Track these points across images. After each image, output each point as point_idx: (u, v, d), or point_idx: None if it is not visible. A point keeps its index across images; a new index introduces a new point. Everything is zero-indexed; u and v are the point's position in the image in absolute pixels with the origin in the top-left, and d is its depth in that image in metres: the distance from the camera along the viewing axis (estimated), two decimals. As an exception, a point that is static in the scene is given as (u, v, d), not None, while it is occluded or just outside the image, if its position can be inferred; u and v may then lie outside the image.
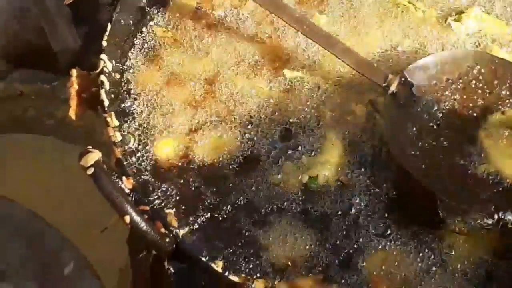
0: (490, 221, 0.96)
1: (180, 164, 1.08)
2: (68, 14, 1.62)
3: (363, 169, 1.05)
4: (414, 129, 1.06)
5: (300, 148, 1.08)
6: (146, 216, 0.96)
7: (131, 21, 1.22)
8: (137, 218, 0.94)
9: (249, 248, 1.00)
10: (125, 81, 1.16)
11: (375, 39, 1.18)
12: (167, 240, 0.97)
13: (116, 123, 1.09)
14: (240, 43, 1.20)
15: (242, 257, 0.99)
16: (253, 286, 0.95)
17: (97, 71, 1.12)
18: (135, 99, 1.14)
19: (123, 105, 1.13)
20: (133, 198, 0.99)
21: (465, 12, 1.20)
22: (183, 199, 1.04)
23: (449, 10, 1.22)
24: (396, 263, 0.98)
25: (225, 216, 1.03)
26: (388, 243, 0.99)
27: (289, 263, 0.98)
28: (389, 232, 1.00)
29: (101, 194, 0.94)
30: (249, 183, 1.05)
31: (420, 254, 0.98)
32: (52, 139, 1.54)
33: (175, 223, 1.00)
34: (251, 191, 1.05)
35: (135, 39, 1.21)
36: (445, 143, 1.05)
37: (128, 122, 1.11)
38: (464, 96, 1.08)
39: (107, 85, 1.11)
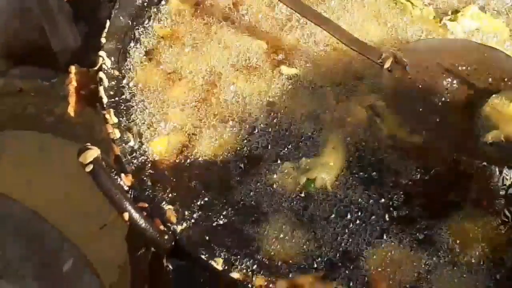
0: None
1: (178, 162, 1.08)
2: (69, 13, 1.62)
3: (362, 173, 1.05)
4: (417, 106, 1.07)
5: (300, 149, 1.07)
6: (145, 213, 0.95)
7: (130, 18, 1.22)
8: (136, 215, 0.94)
9: (247, 246, 1.00)
10: (124, 78, 1.16)
11: (372, 35, 1.18)
12: (166, 237, 0.96)
13: (115, 120, 1.08)
14: (239, 40, 1.20)
15: (241, 255, 0.99)
16: (253, 282, 0.95)
17: (96, 68, 1.12)
18: (134, 96, 1.14)
19: (122, 102, 1.13)
20: (132, 195, 0.98)
21: (461, 11, 1.20)
22: (180, 197, 1.04)
23: (446, 9, 1.22)
24: (396, 262, 0.98)
25: (223, 214, 1.03)
26: (388, 242, 0.99)
27: (288, 261, 0.98)
28: (389, 231, 1.00)
29: (100, 191, 0.94)
30: (247, 182, 1.05)
31: (421, 253, 0.98)
32: (51, 136, 1.54)
33: (173, 219, 1.00)
34: (249, 189, 1.05)
35: (134, 36, 1.21)
36: (449, 117, 1.06)
37: (127, 119, 1.11)
38: (458, 80, 1.09)
39: (106, 82, 1.11)
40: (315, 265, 0.98)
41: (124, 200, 0.94)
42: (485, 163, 1.04)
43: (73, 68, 1.11)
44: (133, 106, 1.13)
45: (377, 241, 0.99)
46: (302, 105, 1.12)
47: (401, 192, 1.03)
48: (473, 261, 0.98)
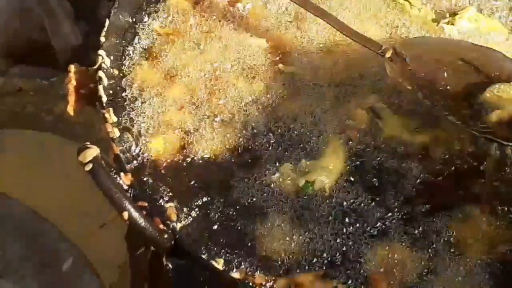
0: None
1: (177, 161, 1.07)
2: (70, 11, 1.62)
3: (362, 177, 1.04)
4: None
5: (299, 151, 1.07)
6: (144, 212, 0.95)
7: (129, 17, 1.22)
8: (135, 214, 0.94)
9: (247, 245, 0.99)
10: (124, 77, 1.16)
11: (371, 35, 1.18)
12: (166, 236, 0.96)
13: (114, 119, 1.08)
14: (239, 38, 1.20)
15: (240, 254, 0.99)
16: (253, 281, 0.95)
17: (95, 67, 1.11)
18: (133, 95, 1.14)
19: (121, 101, 1.13)
20: (132, 194, 0.98)
21: (459, 13, 1.20)
22: (179, 196, 1.04)
23: (444, 9, 1.22)
24: (397, 261, 0.98)
25: (222, 213, 1.02)
26: (388, 242, 0.99)
27: (288, 259, 0.98)
28: (389, 231, 1.00)
29: (99, 190, 0.94)
30: (246, 182, 1.05)
31: (422, 253, 0.98)
32: (51, 135, 1.54)
33: (174, 217, 1.00)
34: (248, 189, 1.04)
35: (133, 35, 1.21)
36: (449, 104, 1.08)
37: (126, 118, 1.11)
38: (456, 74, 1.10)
39: (105, 81, 1.11)
40: (315, 264, 0.98)
41: (124, 199, 0.94)
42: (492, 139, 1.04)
43: (72, 67, 1.11)
44: (132, 105, 1.13)
45: (377, 240, 0.99)
46: (302, 106, 1.12)
47: (402, 194, 1.03)
48: (473, 261, 0.97)
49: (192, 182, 1.05)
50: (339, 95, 1.13)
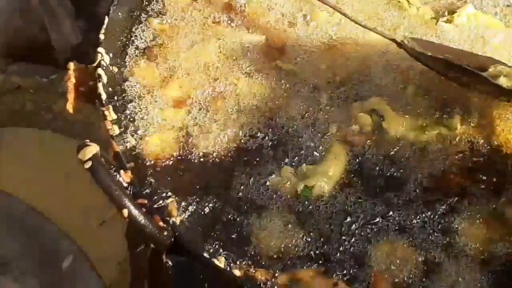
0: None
1: (175, 159, 1.07)
2: (70, 10, 1.62)
3: (365, 180, 1.04)
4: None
5: (302, 155, 1.07)
6: (144, 210, 0.95)
7: (128, 14, 1.21)
8: (135, 212, 0.94)
9: (247, 241, 1.00)
10: (123, 74, 1.16)
11: (369, 34, 1.18)
12: (165, 233, 0.96)
13: (114, 116, 1.08)
14: (238, 35, 1.20)
15: (240, 251, 0.99)
16: (254, 277, 0.95)
17: (95, 65, 1.11)
18: (132, 93, 1.14)
19: (120, 98, 1.13)
20: (131, 192, 0.98)
21: (458, 11, 1.20)
22: (179, 193, 1.04)
23: (443, 7, 1.22)
24: (398, 259, 0.98)
25: (221, 211, 1.03)
26: (389, 240, 0.99)
27: (288, 256, 0.98)
28: (390, 230, 1.00)
29: (99, 188, 0.94)
30: (245, 181, 1.05)
31: (423, 252, 0.98)
32: (51, 133, 1.54)
33: (175, 212, 1.00)
34: (247, 188, 1.04)
35: (132, 32, 1.20)
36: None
37: (125, 116, 1.11)
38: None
39: (104, 78, 1.10)
40: (316, 260, 0.98)
41: (123, 196, 0.94)
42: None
43: (71, 65, 1.11)
44: (131, 103, 1.13)
45: (378, 238, 0.99)
46: (302, 108, 1.11)
47: (404, 193, 1.03)
48: (475, 260, 0.98)
49: (190, 181, 1.05)
50: (339, 95, 1.13)
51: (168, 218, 0.99)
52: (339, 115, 1.11)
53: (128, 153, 1.07)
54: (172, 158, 1.07)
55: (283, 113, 1.11)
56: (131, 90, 1.14)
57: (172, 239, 0.97)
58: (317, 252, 0.99)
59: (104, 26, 1.15)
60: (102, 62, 1.12)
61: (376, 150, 1.07)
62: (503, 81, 1.05)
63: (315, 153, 1.07)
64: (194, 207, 1.03)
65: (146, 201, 0.98)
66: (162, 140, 1.09)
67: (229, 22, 1.22)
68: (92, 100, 1.10)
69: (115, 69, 1.15)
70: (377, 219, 1.01)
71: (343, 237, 1.00)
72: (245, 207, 1.03)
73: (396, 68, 1.15)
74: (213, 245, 0.99)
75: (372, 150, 1.07)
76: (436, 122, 1.09)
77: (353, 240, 0.99)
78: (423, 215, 1.01)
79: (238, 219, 1.02)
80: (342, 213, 1.02)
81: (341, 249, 0.99)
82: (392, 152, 1.07)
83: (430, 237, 0.99)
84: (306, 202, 1.03)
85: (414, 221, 1.01)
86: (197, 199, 1.03)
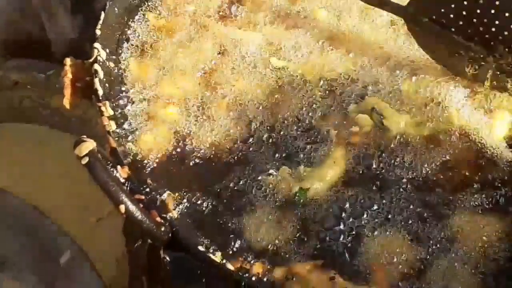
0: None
1: (170, 154, 1.08)
2: (67, 5, 1.62)
3: (359, 189, 1.04)
4: None
5: (300, 156, 1.07)
6: (141, 205, 0.95)
7: (125, 10, 1.21)
8: (132, 208, 0.94)
9: (240, 236, 1.00)
10: (120, 70, 1.15)
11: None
12: (163, 229, 0.96)
13: (111, 112, 1.08)
14: (235, 33, 1.19)
15: (236, 245, 0.99)
16: (250, 271, 0.95)
17: (91, 60, 1.11)
18: (129, 89, 1.14)
19: (117, 94, 1.12)
20: (128, 187, 0.98)
21: None
22: (174, 188, 1.04)
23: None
24: (395, 252, 0.98)
25: (217, 206, 1.03)
26: (387, 233, 0.99)
27: (284, 250, 0.98)
28: (388, 224, 1.00)
29: (96, 184, 0.93)
30: (241, 177, 1.05)
31: (421, 245, 0.98)
32: (48, 129, 1.54)
33: (171, 206, 1.00)
34: (242, 184, 1.05)
35: (129, 27, 1.21)
36: None
37: (121, 112, 1.11)
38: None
39: (101, 74, 1.10)
40: (313, 254, 0.98)
41: (120, 192, 0.93)
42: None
43: (68, 60, 1.11)
44: (129, 98, 1.12)
45: (376, 232, 0.99)
46: (303, 109, 1.11)
47: (404, 189, 1.03)
48: (471, 255, 0.97)
49: (186, 176, 1.05)
50: (336, 96, 1.13)
51: (164, 215, 0.99)
52: (338, 117, 1.11)
53: (125, 148, 1.07)
54: (166, 154, 1.07)
55: (281, 112, 1.11)
56: (126, 86, 1.14)
57: (170, 235, 0.97)
58: (313, 247, 0.99)
59: (101, 22, 1.15)
60: (99, 58, 1.11)
61: (378, 148, 1.07)
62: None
63: (314, 155, 1.07)
64: (190, 203, 1.03)
65: (143, 197, 0.98)
66: (156, 136, 1.09)
67: (227, 19, 1.22)
68: (89, 96, 1.10)
69: (112, 65, 1.15)
70: (374, 214, 1.01)
71: (340, 232, 1.00)
72: (240, 203, 1.03)
73: (390, 65, 1.15)
74: (209, 240, 0.99)
75: (374, 148, 1.07)
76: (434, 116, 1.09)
77: (349, 234, 0.99)
78: (421, 209, 1.01)
79: (233, 215, 1.02)
80: (338, 209, 1.02)
81: (337, 243, 0.99)
82: (394, 149, 1.07)
83: (428, 232, 0.99)
84: (302, 200, 1.03)
85: (412, 216, 1.01)
86: (192, 195, 1.03)
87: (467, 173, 1.04)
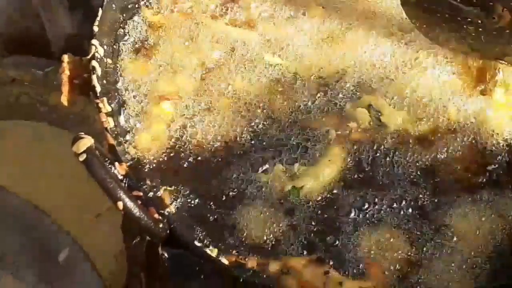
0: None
1: (169, 151, 1.08)
2: (66, 2, 1.61)
3: (355, 187, 1.04)
4: None
5: (296, 154, 1.07)
6: (139, 202, 0.95)
7: (122, 6, 1.21)
8: (130, 204, 0.94)
9: (235, 231, 1.00)
10: (117, 67, 1.15)
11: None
12: (161, 226, 0.96)
13: (109, 108, 1.08)
14: (233, 31, 1.19)
15: (231, 240, 1.00)
16: (245, 265, 0.96)
17: (89, 57, 1.11)
18: (126, 86, 1.13)
19: (114, 91, 1.12)
20: (126, 184, 0.98)
21: None
22: (170, 184, 1.04)
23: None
24: (391, 248, 0.98)
25: (212, 202, 1.03)
26: (383, 229, 0.99)
27: (280, 245, 0.99)
28: (384, 219, 1.00)
29: (94, 180, 0.93)
30: (236, 173, 1.05)
31: (418, 240, 0.99)
32: (46, 125, 1.53)
33: (167, 200, 1.00)
34: (237, 180, 1.05)
35: (127, 24, 1.20)
36: None
37: (119, 108, 1.11)
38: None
39: (99, 70, 1.10)
40: (308, 249, 0.98)
41: (118, 189, 0.94)
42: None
43: (65, 57, 1.11)
44: (126, 95, 1.12)
45: (372, 229, 0.99)
46: (302, 108, 1.11)
47: (400, 185, 1.03)
48: (468, 253, 0.98)
49: (182, 173, 1.06)
50: (333, 93, 1.13)
51: (162, 211, 0.99)
52: (335, 114, 1.11)
53: (124, 145, 1.07)
54: (163, 151, 1.07)
55: (277, 110, 1.11)
56: (124, 83, 1.14)
57: (168, 232, 0.97)
58: (308, 242, 0.99)
59: (98, 18, 1.15)
60: (96, 54, 1.11)
61: (375, 146, 1.07)
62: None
63: (310, 154, 1.07)
64: (185, 198, 1.03)
65: (141, 193, 0.98)
66: (153, 134, 1.09)
67: (225, 17, 1.21)
68: (87, 93, 1.10)
69: (110, 61, 1.15)
70: (370, 211, 1.01)
71: (335, 228, 1.00)
72: (235, 199, 1.03)
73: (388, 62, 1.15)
74: (205, 235, 0.99)
75: (371, 146, 1.07)
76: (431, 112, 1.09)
77: (345, 231, 1.00)
78: (418, 207, 1.01)
79: (228, 210, 1.02)
80: (334, 206, 1.02)
81: (332, 239, 0.99)
82: (391, 146, 1.07)
83: (424, 230, 1.00)
84: (295, 198, 1.03)
85: (408, 213, 1.01)
86: (188, 190, 1.04)
87: (465, 171, 1.04)
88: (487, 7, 1.03)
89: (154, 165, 1.06)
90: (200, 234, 1.00)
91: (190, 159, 1.07)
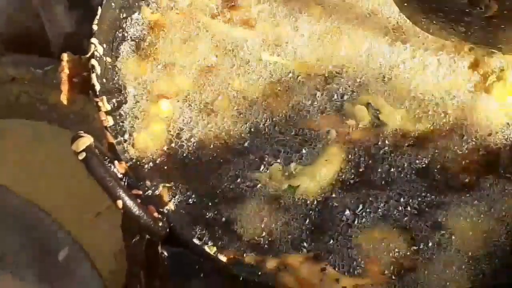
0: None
1: (167, 150, 1.08)
2: (66, 1, 1.62)
3: (353, 186, 1.04)
4: None
5: (293, 154, 1.07)
6: (139, 201, 0.95)
7: (121, 4, 1.21)
8: (129, 203, 0.94)
9: (233, 229, 1.00)
10: (116, 65, 1.15)
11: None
12: (160, 224, 0.96)
13: (108, 107, 1.08)
14: (231, 30, 1.19)
15: (228, 237, 1.00)
16: (243, 262, 0.96)
17: (88, 55, 1.11)
18: (125, 84, 1.13)
19: (114, 90, 1.12)
20: (126, 183, 0.98)
21: None
22: (169, 181, 1.04)
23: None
24: (389, 247, 0.98)
25: (209, 199, 1.03)
26: (381, 227, 0.99)
27: (277, 242, 0.99)
28: (383, 217, 1.00)
29: (94, 179, 0.93)
30: (234, 173, 1.05)
31: (417, 239, 0.98)
32: (46, 124, 1.53)
33: (166, 197, 1.00)
34: (234, 178, 1.05)
35: (126, 22, 1.20)
36: None
37: (118, 107, 1.11)
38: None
39: (98, 69, 1.10)
40: (306, 247, 0.98)
41: (118, 187, 0.93)
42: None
43: (65, 56, 1.11)
44: (125, 94, 1.12)
45: (370, 227, 0.99)
46: (300, 107, 1.11)
47: (399, 183, 1.03)
48: (466, 251, 0.97)
49: (180, 170, 1.06)
50: (331, 89, 1.13)
51: (162, 209, 0.99)
52: (333, 113, 1.10)
53: (123, 143, 1.07)
54: (161, 150, 1.08)
55: (276, 109, 1.11)
56: (123, 82, 1.14)
57: (167, 230, 0.97)
58: (304, 240, 0.99)
59: (97, 17, 1.15)
60: (96, 53, 1.11)
61: (376, 144, 1.07)
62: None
63: (308, 153, 1.07)
64: (183, 195, 1.03)
65: (140, 192, 0.98)
66: (152, 133, 1.09)
67: (225, 16, 1.21)
68: (86, 91, 1.10)
69: (109, 60, 1.15)
70: (368, 210, 1.01)
71: (333, 226, 1.00)
72: (233, 196, 1.03)
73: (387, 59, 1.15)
74: (203, 233, 0.99)
75: (371, 144, 1.07)
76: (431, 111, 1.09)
77: (343, 228, 1.00)
78: (417, 206, 1.01)
79: (225, 207, 1.02)
80: (331, 204, 1.02)
81: (330, 237, 0.99)
82: (391, 144, 1.07)
83: (424, 228, 0.99)
84: (291, 197, 1.03)
85: (407, 212, 1.01)
86: (186, 188, 1.04)
87: (463, 169, 1.04)
88: None
89: (152, 164, 1.06)
90: (199, 232, 0.99)
91: (189, 158, 1.07)
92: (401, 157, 1.05)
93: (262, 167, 1.05)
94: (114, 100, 1.11)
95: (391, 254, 0.97)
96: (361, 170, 1.05)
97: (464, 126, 1.08)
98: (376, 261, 0.96)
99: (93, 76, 1.09)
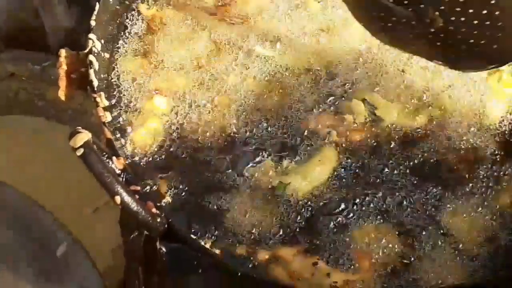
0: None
1: (163, 145, 1.08)
2: (64, -2, 1.62)
3: (348, 183, 1.04)
4: None
5: (286, 150, 1.07)
6: (137, 196, 0.95)
7: (120, 1, 1.21)
8: (127, 199, 0.93)
9: (226, 222, 1.01)
10: (114, 61, 1.15)
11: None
12: (158, 220, 0.96)
13: (106, 103, 1.08)
14: (228, 27, 1.19)
15: (220, 230, 1.01)
16: (235, 253, 0.97)
17: (86, 51, 1.11)
18: (123, 81, 1.14)
19: (111, 86, 1.12)
20: (124, 178, 0.98)
21: None
22: (165, 175, 1.05)
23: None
24: (381, 242, 0.98)
25: (204, 194, 1.04)
26: (374, 223, 0.99)
27: (268, 235, 0.99)
28: (375, 213, 1.01)
29: (92, 175, 0.93)
30: (228, 168, 1.06)
31: (411, 235, 0.99)
32: (44, 120, 1.54)
33: (164, 189, 1.01)
34: (228, 173, 1.05)
35: (124, 18, 1.20)
36: None
37: (115, 104, 1.11)
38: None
39: (96, 65, 1.10)
40: (297, 240, 0.99)
41: (116, 183, 0.93)
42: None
43: (63, 52, 1.11)
44: (121, 91, 1.13)
45: (363, 223, 1.00)
46: (293, 102, 1.11)
47: (393, 178, 1.03)
48: (464, 248, 0.98)
49: (175, 166, 1.06)
50: (326, 86, 1.13)
51: (159, 204, 0.99)
52: (328, 110, 1.11)
53: (121, 140, 1.08)
54: (157, 146, 1.08)
55: (271, 106, 1.11)
56: (121, 78, 1.14)
57: (165, 226, 0.97)
58: (298, 233, 0.99)
59: (95, 13, 1.15)
60: (94, 49, 1.11)
61: (372, 141, 1.07)
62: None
63: (302, 151, 1.07)
64: (180, 191, 1.04)
65: (139, 188, 0.98)
66: (149, 128, 1.09)
67: (222, 12, 1.21)
68: (84, 87, 1.10)
69: (107, 55, 1.15)
70: (362, 206, 1.01)
71: (326, 221, 1.00)
72: (226, 190, 1.04)
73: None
74: (198, 227, 1.00)
75: (367, 141, 1.07)
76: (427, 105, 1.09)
77: (335, 224, 1.00)
78: (412, 202, 1.01)
79: (219, 202, 1.03)
80: (322, 200, 1.02)
81: (322, 232, 0.99)
82: (387, 140, 1.07)
83: (418, 225, 1.00)
84: (281, 193, 1.03)
85: (401, 208, 1.01)
86: (183, 183, 1.04)
87: (460, 164, 1.04)
88: (419, 9, 0.93)
89: (150, 159, 1.06)
90: (195, 226, 1.00)
91: (185, 153, 1.07)
92: (397, 153, 1.05)
93: (255, 162, 1.06)
94: (112, 96, 1.11)
95: (385, 251, 0.97)
96: (356, 166, 1.05)
97: (461, 120, 1.08)
98: (369, 257, 0.97)
99: (91, 72, 1.09)
